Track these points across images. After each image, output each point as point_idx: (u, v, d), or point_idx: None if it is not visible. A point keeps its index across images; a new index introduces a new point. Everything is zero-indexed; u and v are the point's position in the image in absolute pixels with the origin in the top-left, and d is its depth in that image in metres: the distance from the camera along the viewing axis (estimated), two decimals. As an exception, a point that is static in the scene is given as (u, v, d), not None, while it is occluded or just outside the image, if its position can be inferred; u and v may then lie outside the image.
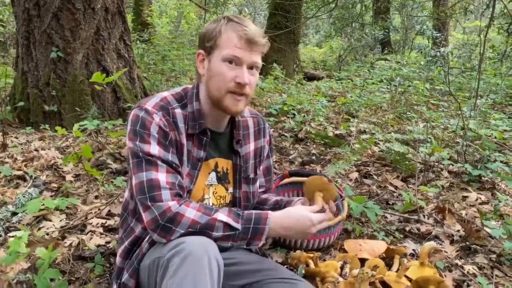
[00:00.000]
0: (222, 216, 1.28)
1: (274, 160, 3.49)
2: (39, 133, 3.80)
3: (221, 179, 1.51)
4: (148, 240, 1.39)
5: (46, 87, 3.96)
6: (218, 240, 1.27)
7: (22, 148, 3.32)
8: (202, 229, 1.25)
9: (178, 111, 1.38)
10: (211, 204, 1.47)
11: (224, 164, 1.51)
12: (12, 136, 3.65)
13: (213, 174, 1.49)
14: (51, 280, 1.61)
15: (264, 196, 1.69)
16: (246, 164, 1.55)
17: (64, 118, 3.92)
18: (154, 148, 1.31)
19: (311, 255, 1.91)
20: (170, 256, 1.17)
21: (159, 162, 1.30)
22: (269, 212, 1.33)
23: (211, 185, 1.48)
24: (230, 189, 1.54)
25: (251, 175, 1.57)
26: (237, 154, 1.52)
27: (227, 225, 1.27)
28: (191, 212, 1.26)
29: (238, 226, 1.28)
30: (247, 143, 1.56)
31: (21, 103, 3.96)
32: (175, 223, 1.24)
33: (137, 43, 7.56)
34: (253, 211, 1.34)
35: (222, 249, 1.25)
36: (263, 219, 1.30)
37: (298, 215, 1.34)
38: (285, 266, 1.90)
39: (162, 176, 1.30)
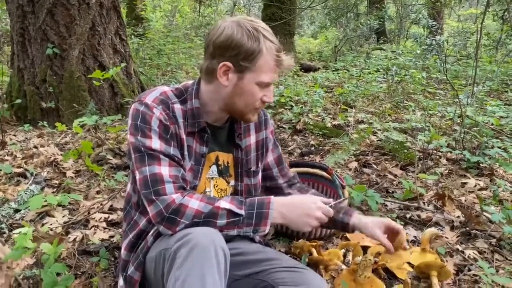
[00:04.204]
0: (225, 203, 1.28)
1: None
2: (37, 130, 3.79)
3: (222, 172, 1.52)
4: (153, 233, 1.40)
5: (42, 84, 3.95)
6: (224, 228, 1.27)
7: (21, 146, 3.32)
8: (206, 218, 1.26)
9: (177, 106, 1.39)
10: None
11: (225, 157, 1.52)
12: (10, 134, 3.64)
13: (214, 168, 1.50)
14: (57, 274, 1.62)
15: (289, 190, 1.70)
16: (248, 157, 1.56)
17: (62, 114, 3.91)
18: (155, 143, 1.32)
19: (314, 243, 1.93)
20: (177, 248, 1.18)
21: (161, 156, 1.31)
22: (272, 196, 1.34)
23: (212, 178, 1.49)
24: (232, 182, 1.55)
25: (253, 168, 1.58)
26: (238, 148, 1.53)
27: (230, 212, 1.27)
28: (194, 203, 1.27)
29: (241, 212, 1.28)
30: (247, 136, 1.57)
31: (18, 101, 3.94)
32: (179, 214, 1.25)
33: (131, 38, 7.52)
34: (256, 197, 1.35)
35: (226, 240, 1.26)
36: (266, 203, 1.31)
37: (302, 197, 1.38)
38: (289, 255, 1.91)
39: (165, 169, 1.31)
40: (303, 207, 1.33)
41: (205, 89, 1.41)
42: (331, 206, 1.39)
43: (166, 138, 1.34)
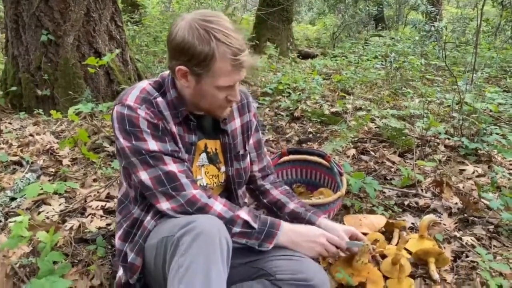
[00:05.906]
0: (244, 214, 1.36)
1: (271, 139, 3.48)
2: (32, 118, 3.76)
3: (212, 159, 1.52)
4: (153, 217, 1.39)
5: (37, 71, 3.91)
6: (235, 236, 1.33)
7: (16, 134, 3.29)
8: (226, 224, 1.29)
9: (160, 100, 1.37)
10: (204, 184, 1.48)
11: (213, 144, 1.52)
12: (5, 122, 3.61)
13: (204, 155, 1.50)
14: (54, 263, 1.61)
15: (267, 186, 1.70)
16: (235, 141, 1.56)
17: (57, 102, 3.87)
18: (152, 144, 1.32)
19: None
20: (181, 235, 1.18)
21: (163, 156, 1.33)
22: (282, 221, 1.43)
23: (202, 165, 1.49)
24: (223, 168, 1.55)
25: (241, 152, 1.58)
26: (224, 133, 1.52)
27: (246, 223, 1.35)
28: (218, 206, 1.33)
29: (255, 225, 1.36)
30: (232, 120, 1.55)
31: (13, 88, 3.91)
32: (203, 213, 1.31)
33: (128, 24, 7.43)
34: (268, 217, 1.42)
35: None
36: (276, 225, 1.40)
37: (308, 226, 1.47)
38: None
39: (172, 167, 1.33)
40: (308, 233, 1.42)
41: (177, 84, 1.40)
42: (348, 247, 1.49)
43: (159, 136, 1.33)
